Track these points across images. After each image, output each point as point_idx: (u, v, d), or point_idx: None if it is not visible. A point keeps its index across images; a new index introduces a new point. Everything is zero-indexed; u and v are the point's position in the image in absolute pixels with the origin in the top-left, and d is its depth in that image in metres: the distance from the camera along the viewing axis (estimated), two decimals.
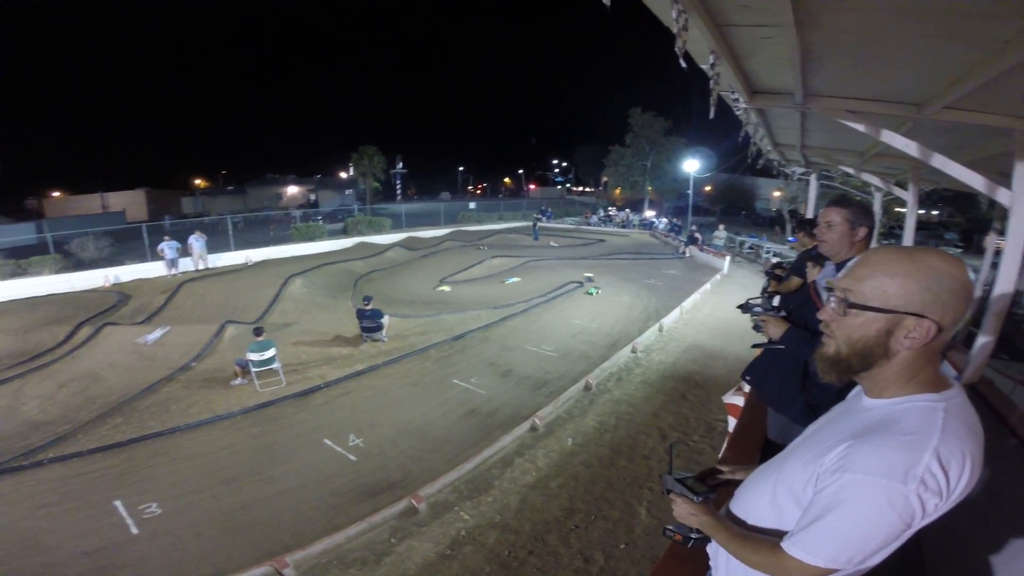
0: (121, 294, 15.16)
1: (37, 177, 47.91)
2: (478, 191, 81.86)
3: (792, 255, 13.03)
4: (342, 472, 5.99)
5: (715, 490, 1.39)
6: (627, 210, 34.37)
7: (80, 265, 17.64)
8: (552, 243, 24.65)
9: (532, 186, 76.05)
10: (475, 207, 34.53)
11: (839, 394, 1.26)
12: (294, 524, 5.13)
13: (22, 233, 27.97)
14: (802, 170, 8.56)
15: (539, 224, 28.36)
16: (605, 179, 50.93)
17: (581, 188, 75.20)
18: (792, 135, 5.39)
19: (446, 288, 15.34)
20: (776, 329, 2.36)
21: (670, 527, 1.38)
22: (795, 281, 3.87)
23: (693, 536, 1.32)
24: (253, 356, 8.42)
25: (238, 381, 8.72)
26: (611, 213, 33.52)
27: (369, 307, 10.24)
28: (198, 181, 66.44)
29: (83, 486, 6.05)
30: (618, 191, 45.63)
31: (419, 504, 4.99)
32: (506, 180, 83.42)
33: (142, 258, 17.97)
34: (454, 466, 5.60)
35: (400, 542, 4.63)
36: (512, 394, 7.90)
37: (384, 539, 4.68)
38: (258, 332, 8.79)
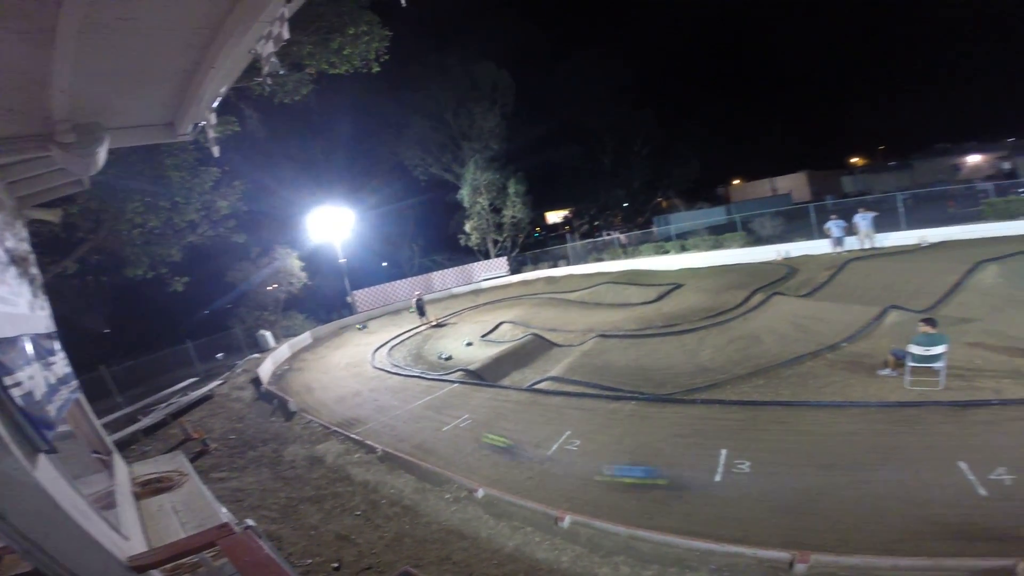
0: (790, 268, 17.05)
1: (722, 169, 60.16)
2: None
3: None
4: (956, 502, 4.86)
5: None
6: None
7: (758, 241, 21.10)
8: None
9: None
10: None
11: None
12: (850, 529, 4.68)
13: (716, 215, 36.27)
14: None
15: None
16: None
17: None
18: None
19: None
20: None
21: None
22: None
23: None
24: (916, 349, 7.45)
25: (886, 372, 8.08)
26: None
27: None
28: (855, 159, 63.58)
29: (708, 428, 7.05)
30: None
31: None
32: None
33: (808, 236, 19.36)
34: None
35: None
36: None
37: None
38: (931, 323, 7.64)
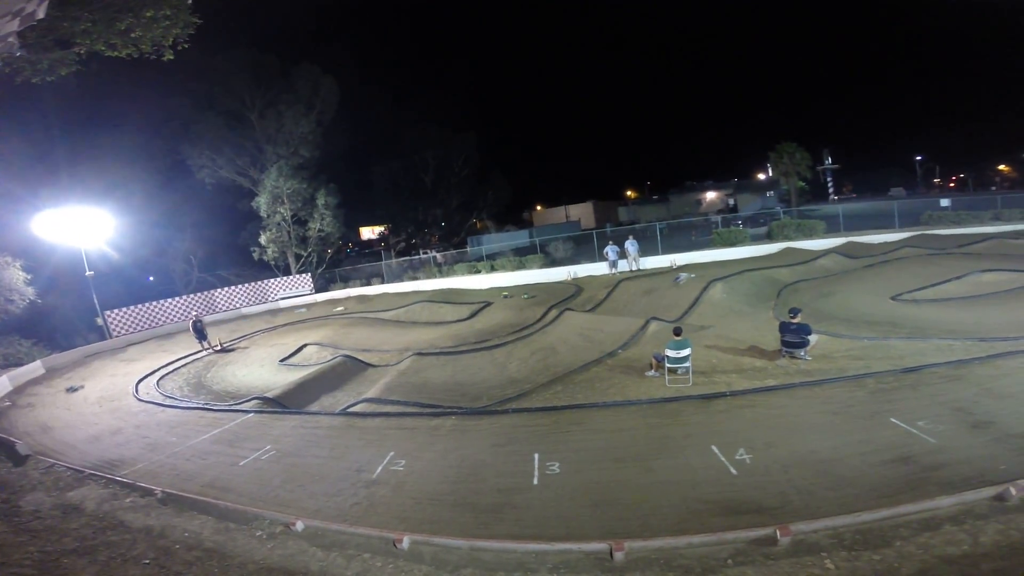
0: (577, 287, 19.62)
1: (529, 195, 67.35)
2: (951, 184, 62.08)
3: None
4: (717, 481, 5.81)
5: None
6: None
7: (553, 263, 23.83)
8: None
9: None
10: (949, 204, 26.01)
11: None
12: (648, 515, 5.33)
13: (521, 238, 39.80)
14: None
15: None
16: None
17: None
18: None
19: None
20: None
21: None
22: None
23: None
24: (669, 353, 9.05)
25: (651, 373, 9.59)
26: None
27: (796, 320, 9.56)
28: (630, 192, 76.86)
29: (521, 435, 7.70)
30: None
31: (783, 536, 4.50)
32: (1002, 167, 59.49)
33: (592, 259, 22.65)
34: (849, 511, 4.79)
35: (736, 566, 4.33)
36: (980, 452, 5.76)
37: (721, 558, 4.45)
38: (677, 332, 9.47)
